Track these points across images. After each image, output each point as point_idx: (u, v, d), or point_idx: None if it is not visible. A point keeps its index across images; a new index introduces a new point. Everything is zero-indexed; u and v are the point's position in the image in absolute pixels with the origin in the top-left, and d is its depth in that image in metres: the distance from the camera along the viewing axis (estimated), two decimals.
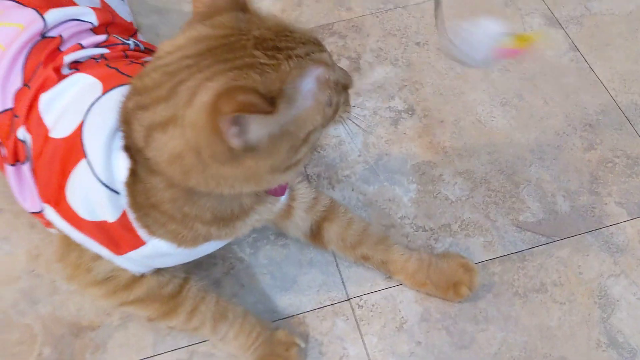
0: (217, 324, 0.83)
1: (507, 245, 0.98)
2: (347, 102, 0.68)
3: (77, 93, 0.73)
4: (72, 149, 0.70)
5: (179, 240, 0.71)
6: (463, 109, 1.12)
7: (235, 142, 0.54)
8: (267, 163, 0.60)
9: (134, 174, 0.66)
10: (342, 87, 0.66)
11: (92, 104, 0.71)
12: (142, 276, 0.80)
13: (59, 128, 0.72)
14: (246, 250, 0.99)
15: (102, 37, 0.84)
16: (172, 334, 0.92)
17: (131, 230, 0.70)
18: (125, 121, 0.64)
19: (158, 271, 0.81)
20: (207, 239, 0.72)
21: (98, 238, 0.73)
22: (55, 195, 0.72)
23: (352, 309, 0.93)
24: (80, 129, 0.70)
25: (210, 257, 0.98)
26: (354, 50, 1.21)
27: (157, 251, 0.73)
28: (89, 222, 0.71)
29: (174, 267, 0.83)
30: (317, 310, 0.93)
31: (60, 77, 0.76)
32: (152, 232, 0.71)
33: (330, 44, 1.21)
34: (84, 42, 0.82)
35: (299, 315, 0.93)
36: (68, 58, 0.78)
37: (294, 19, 1.25)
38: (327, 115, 0.63)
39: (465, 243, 0.98)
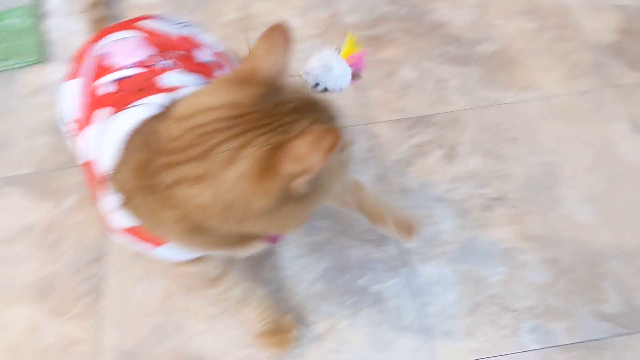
0: (242, 300, 1.04)
1: (587, 332, 1.06)
2: (348, 160, 0.77)
3: (93, 124, 0.86)
4: (93, 172, 0.82)
5: (190, 248, 0.80)
6: (551, 203, 1.23)
7: (302, 189, 0.65)
8: (299, 213, 0.69)
9: (128, 202, 0.74)
10: (345, 146, 0.74)
11: (99, 133, 0.83)
12: (189, 261, 0.90)
13: (85, 154, 0.86)
14: (347, 311, 1.12)
15: (141, 57, 0.91)
16: None
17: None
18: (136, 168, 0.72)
19: (204, 261, 0.91)
20: (214, 251, 0.81)
21: (133, 239, 0.83)
22: (99, 208, 0.84)
23: None
24: (94, 155, 0.83)
25: (314, 313, 1.11)
26: (451, 140, 1.35)
27: (173, 247, 0.81)
28: (121, 229, 0.82)
29: (216, 258, 0.94)
30: None
31: (95, 100, 0.87)
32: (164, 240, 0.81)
33: (430, 133, 1.36)
34: (124, 63, 0.90)
35: None
36: (106, 79, 0.88)
37: (399, 108, 1.41)
38: (342, 169, 0.74)
39: (548, 326, 1.07)
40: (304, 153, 0.61)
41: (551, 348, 1.05)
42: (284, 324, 1.07)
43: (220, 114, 0.65)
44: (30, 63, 1.58)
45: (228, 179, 0.64)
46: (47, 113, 1.48)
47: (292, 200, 0.66)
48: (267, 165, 0.63)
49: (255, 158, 0.63)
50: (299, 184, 0.64)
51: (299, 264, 1.18)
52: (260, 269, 1.18)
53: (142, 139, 0.72)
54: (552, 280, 1.13)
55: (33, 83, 1.55)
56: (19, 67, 1.58)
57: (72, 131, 0.95)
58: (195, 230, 0.72)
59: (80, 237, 1.26)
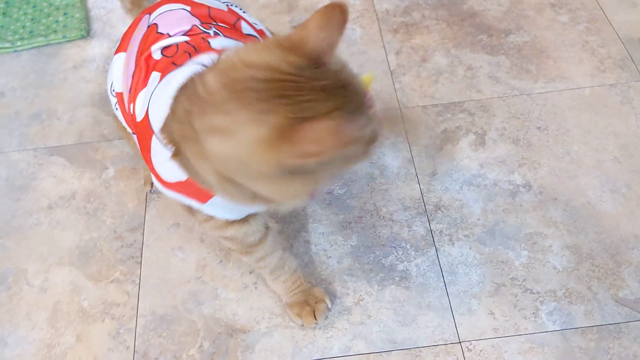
0: (275, 270, 1.08)
1: (606, 316, 1.10)
2: (371, 151, 0.76)
3: (147, 86, 0.91)
4: (147, 129, 0.87)
5: (232, 200, 0.81)
6: (575, 191, 1.27)
7: (310, 167, 0.66)
8: (301, 188, 0.71)
9: (177, 153, 0.78)
10: (371, 138, 0.74)
11: (152, 93, 0.87)
12: (234, 222, 0.94)
13: (137, 114, 0.91)
14: (374, 286, 1.17)
15: (187, 27, 0.94)
16: (308, 347, 1.10)
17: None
18: (180, 118, 0.76)
19: (247, 222, 0.96)
20: (253, 204, 0.82)
21: (183, 193, 0.87)
22: (150, 165, 0.89)
23: (462, 352, 1.08)
24: (147, 112, 0.87)
25: (343, 287, 1.16)
26: (480, 127, 1.38)
27: (221, 202, 0.83)
28: (171, 183, 0.86)
29: (259, 220, 0.98)
30: (431, 347, 1.09)
31: (149, 64, 0.91)
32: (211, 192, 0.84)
33: (459, 119, 1.40)
34: (171, 32, 0.93)
35: (414, 349, 1.09)
36: (156, 46, 0.92)
37: (429, 94, 1.45)
38: (358, 159, 0.75)
39: (568, 309, 1.12)
40: (320, 137, 0.62)
41: (570, 330, 1.09)
42: (315, 295, 1.12)
43: (256, 74, 0.67)
44: (74, 38, 1.63)
45: (245, 138, 0.66)
46: (89, 87, 1.54)
47: (298, 174, 0.68)
48: (283, 137, 0.64)
49: (274, 126, 0.64)
50: (308, 162, 0.66)
51: (329, 240, 1.23)
52: (293, 243, 1.23)
53: (187, 92, 0.76)
54: (574, 266, 1.17)
55: (77, 57, 1.61)
56: (64, 42, 1.64)
57: (120, 101, 1.00)
58: (228, 181, 0.74)
59: (120, 206, 1.32)
